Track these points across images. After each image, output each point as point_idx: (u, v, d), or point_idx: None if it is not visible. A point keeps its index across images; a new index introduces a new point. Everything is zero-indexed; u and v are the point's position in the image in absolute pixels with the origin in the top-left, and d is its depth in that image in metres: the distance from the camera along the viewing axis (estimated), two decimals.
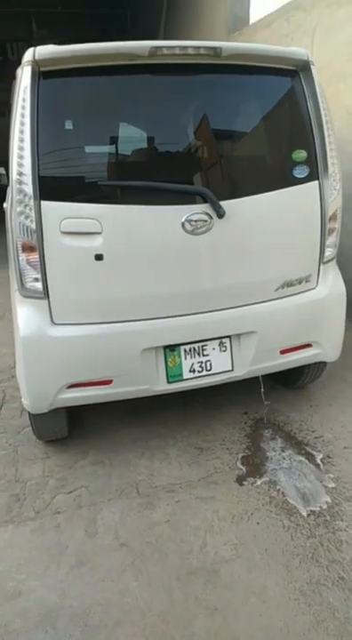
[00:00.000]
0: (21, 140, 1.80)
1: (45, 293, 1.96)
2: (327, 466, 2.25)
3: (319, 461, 2.29)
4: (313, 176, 2.18)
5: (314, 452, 2.35)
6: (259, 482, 2.18)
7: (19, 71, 1.89)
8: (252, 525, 1.95)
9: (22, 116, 1.80)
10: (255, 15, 5.60)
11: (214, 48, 1.92)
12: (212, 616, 1.61)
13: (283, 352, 2.36)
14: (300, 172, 2.16)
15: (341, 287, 2.42)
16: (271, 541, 1.87)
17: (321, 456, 2.32)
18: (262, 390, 2.62)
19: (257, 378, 2.52)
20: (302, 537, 1.89)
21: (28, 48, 1.84)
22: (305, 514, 1.99)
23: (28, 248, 1.89)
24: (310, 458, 2.32)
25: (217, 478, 2.21)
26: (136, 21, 10.76)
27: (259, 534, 1.91)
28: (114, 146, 2.13)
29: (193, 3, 6.77)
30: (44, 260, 1.90)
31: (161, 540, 1.91)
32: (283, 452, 2.37)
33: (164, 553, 1.85)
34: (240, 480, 2.20)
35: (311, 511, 2.00)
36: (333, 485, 2.13)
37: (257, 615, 1.61)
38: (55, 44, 1.82)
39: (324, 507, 2.02)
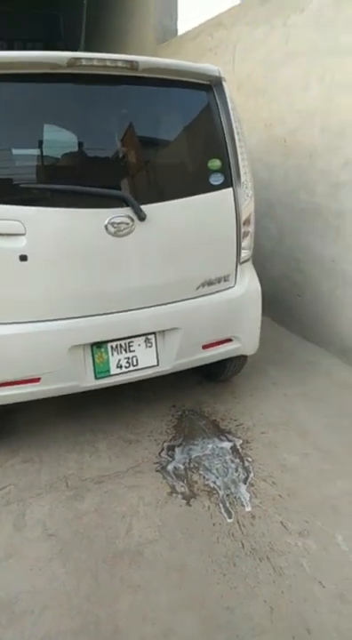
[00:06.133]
0: None
1: None
2: (246, 450, 2.44)
3: (239, 446, 2.47)
4: (227, 183, 2.36)
5: (234, 439, 2.53)
6: (183, 468, 2.32)
7: None
8: (175, 508, 2.08)
9: None
10: (184, 27, 5.82)
11: (131, 62, 2.04)
12: (135, 593, 1.72)
13: (205, 347, 2.52)
14: (216, 179, 2.34)
15: (257, 285, 2.63)
16: (192, 521, 2.02)
17: (240, 442, 2.51)
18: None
19: (185, 372, 2.66)
20: (220, 515, 2.05)
21: None
22: (224, 494, 2.15)
23: None
24: (231, 444, 2.49)
25: (144, 467, 2.33)
26: (68, 27, 10.72)
27: (181, 516, 2.05)
28: (37, 150, 2.18)
29: (122, 13, 6.87)
30: None
31: (89, 528, 1.99)
32: (206, 439, 2.53)
33: (91, 540, 1.94)
34: (166, 467, 2.33)
35: (230, 492, 2.17)
36: (250, 467, 2.32)
37: (177, 588, 1.73)
38: None
39: (241, 487, 2.20)
